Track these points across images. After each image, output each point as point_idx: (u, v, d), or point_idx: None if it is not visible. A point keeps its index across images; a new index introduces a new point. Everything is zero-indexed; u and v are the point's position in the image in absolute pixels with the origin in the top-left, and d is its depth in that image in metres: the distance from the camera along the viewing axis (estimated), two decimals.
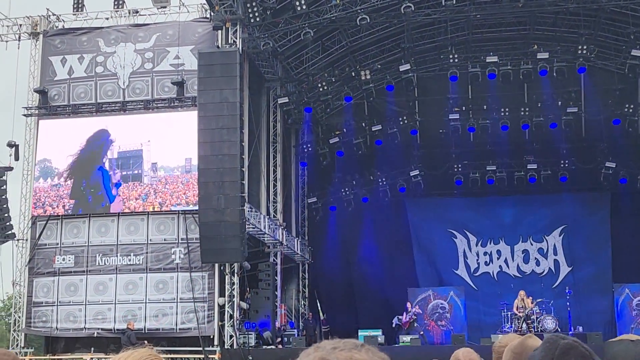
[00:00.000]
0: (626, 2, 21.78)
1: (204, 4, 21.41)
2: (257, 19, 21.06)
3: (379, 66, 26.08)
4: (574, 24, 24.94)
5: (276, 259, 25.10)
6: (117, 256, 21.24)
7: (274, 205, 25.20)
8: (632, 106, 26.73)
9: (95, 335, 20.86)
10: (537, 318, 22.96)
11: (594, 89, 26.88)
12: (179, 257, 20.93)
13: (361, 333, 22.18)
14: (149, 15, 22.66)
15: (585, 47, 24.78)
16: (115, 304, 20.95)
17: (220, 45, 20.87)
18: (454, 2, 20.60)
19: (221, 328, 20.15)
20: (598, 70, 26.76)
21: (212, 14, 20.94)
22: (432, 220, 29.03)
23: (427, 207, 29.18)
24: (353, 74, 26.26)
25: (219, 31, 20.94)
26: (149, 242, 21.23)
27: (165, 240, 21.18)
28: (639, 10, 23.10)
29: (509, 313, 23.62)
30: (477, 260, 28.75)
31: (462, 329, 26.36)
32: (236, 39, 20.72)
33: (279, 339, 22.83)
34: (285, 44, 23.91)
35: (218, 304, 20.20)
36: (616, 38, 25.14)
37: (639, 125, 27.01)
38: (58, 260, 21.42)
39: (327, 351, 2.07)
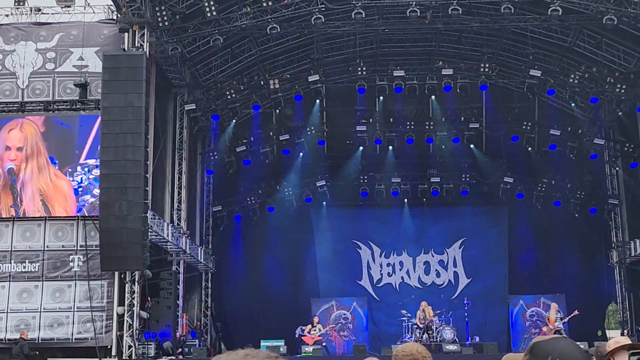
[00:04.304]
0: (526, 24, 22.71)
1: (111, 5, 20.86)
2: (166, 23, 20.73)
3: (288, 76, 26.13)
4: (478, 42, 25.80)
5: (179, 267, 24.65)
6: (10, 263, 20.33)
7: (177, 213, 24.77)
8: (529, 124, 27.81)
9: None
10: (436, 329, 23.46)
11: (494, 106, 27.83)
12: (78, 264, 20.24)
13: (263, 343, 22.09)
14: (52, 14, 21.89)
15: (487, 66, 25.64)
16: (7, 312, 20.03)
17: (126, 48, 20.38)
18: (363, 15, 20.88)
19: (120, 338, 19.58)
20: (499, 88, 27.72)
21: (118, 15, 20.44)
22: (337, 231, 29.24)
23: (333, 218, 29.38)
24: (262, 82, 26.18)
25: (126, 34, 20.46)
26: (46, 248, 20.42)
27: (63, 247, 20.43)
28: (538, 32, 24.18)
29: (410, 323, 24.02)
30: (380, 271, 29.12)
31: (364, 339, 26.66)
32: (143, 42, 20.29)
33: (180, 350, 22.42)
34: (194, 49, 23.62)
35: (117, 313, 19.64)
36: (516, 58, 26.18)
37: (535, 142, 28.12)
38: None
39: (240, 357, 2.25)
